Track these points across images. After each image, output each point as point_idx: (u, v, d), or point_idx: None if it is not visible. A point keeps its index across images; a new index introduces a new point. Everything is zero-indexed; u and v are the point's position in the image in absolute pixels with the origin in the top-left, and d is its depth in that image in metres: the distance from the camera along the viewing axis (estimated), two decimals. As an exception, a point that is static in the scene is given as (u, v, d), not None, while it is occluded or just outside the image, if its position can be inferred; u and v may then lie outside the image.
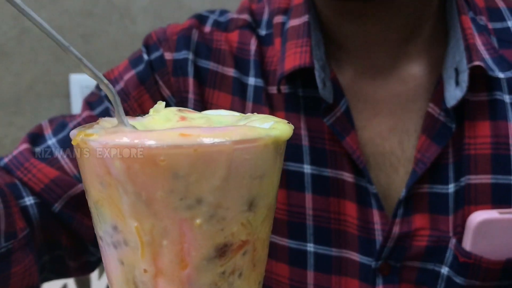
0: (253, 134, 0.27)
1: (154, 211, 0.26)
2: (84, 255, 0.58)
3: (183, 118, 0.33)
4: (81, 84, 1.13)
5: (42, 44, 1.14)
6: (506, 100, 0.54)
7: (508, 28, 0.57)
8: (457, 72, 0.52)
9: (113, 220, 0.27)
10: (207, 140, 0.25)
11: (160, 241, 0.26)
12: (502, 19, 0.58)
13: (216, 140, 0.25)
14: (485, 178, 0.53)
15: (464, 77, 0.51)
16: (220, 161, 0.25)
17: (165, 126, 0.31)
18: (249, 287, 0.29)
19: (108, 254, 0.28)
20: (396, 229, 0.54)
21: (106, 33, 1.13)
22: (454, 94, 0.52)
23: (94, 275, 1.14)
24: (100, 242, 0.29)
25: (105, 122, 0.30)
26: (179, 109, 0.34)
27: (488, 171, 0.53)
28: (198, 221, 0.26)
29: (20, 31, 1.12)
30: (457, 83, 0.52)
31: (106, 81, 0.27)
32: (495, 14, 0.58)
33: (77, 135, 0.26)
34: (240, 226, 0.27)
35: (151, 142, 0.25)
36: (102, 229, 0.28)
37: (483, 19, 0.57)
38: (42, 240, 0.52)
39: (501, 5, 0.59)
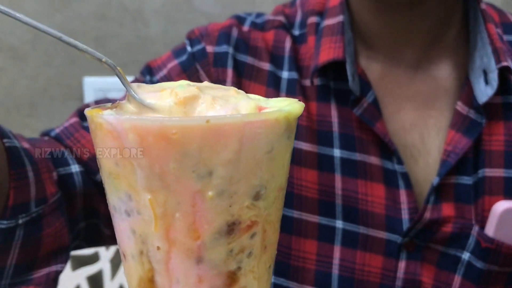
0: (264, 111, 0.27)
1: (167, 184, 0.26)
2: None
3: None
4: (94, 87, 1.15)
5: (56, 47, 1.15)
6: None
7: None
8: (485, 73, 0.58)
9: (127, 191, 0.27)
10: (219, 114, 0.25)
11: (173, 213, 0.27)
12: None
13: (228, 114, 0.26)
14: (498, 172, 0.59)
15: (494, 76, 0.57)
16: (232, 134, 0.26)
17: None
18: (258, 269, 0.30)
19: (121, 223, 0.29)
20: (427, 215, 0.58)
21: (119, 36, 1.15)
22: (485, 92, 0.57)
23: (106, 275, 1.14)
24: (113, 212, 0.29)
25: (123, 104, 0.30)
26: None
27: (502, 165, 0.59)
28: (210, 193, 0.26)
29: (35, 35, 1.14)
30: (486, 82, 0.58)
31: (104, 57, 0.27)
32: (509, 28, 0.64)
33: (91, 110, 0.27)
34: (250, 205, 0.28)
35: (163, 116, 0.25)
36: (116, 197, 0.28)
37: (499, 31, 0.62)
38: (81, 207, 0.55)
39: None
